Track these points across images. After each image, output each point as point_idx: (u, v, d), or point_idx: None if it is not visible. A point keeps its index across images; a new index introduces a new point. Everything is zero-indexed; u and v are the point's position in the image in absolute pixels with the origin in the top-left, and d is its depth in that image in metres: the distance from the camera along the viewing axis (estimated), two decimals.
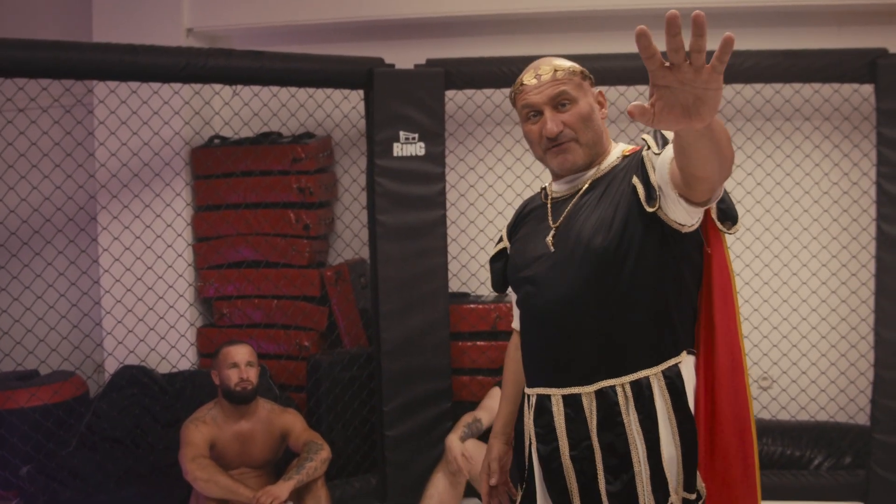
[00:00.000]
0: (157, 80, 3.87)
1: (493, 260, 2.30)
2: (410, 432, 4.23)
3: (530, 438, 2.10)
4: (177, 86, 4.21)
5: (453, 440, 3.74)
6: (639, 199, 1.90)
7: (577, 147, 2.03)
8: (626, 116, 4.50)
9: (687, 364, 2.00)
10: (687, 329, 2.02)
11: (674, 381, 1.95)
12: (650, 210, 1.87)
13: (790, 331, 4.52)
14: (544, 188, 2.20)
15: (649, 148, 1.93)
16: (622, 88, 4.38)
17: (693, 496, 1.96)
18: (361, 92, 4.37)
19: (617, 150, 2.09)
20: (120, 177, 4.45)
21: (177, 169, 4.52)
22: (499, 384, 4.10)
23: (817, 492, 4.17)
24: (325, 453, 3.60)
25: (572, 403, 2.00)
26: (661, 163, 1.82)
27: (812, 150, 4.46)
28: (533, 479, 2.12)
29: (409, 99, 4.19)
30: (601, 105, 2.10)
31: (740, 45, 4.11)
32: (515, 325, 2.33)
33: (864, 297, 4.40)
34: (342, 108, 4.56)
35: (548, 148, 2.04)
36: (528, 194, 4.55)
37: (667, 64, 1.29)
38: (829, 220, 4.48)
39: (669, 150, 1.78)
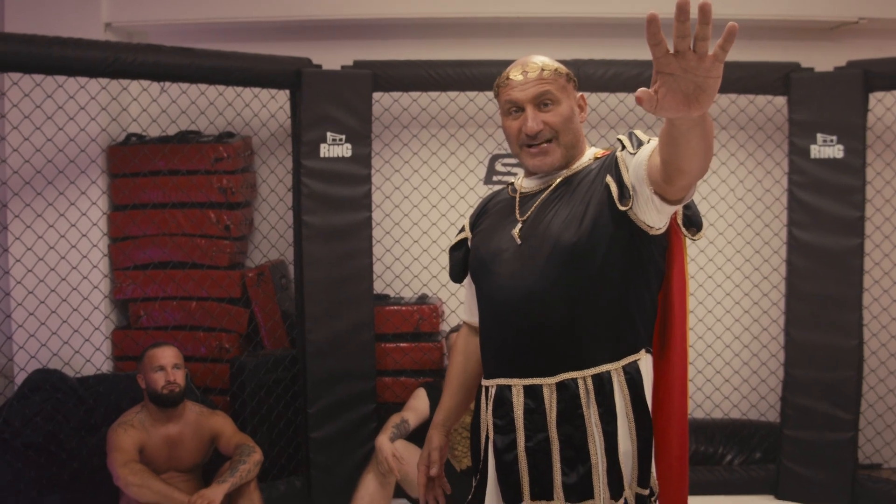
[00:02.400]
0: (84, 75, 3.74)
1: (453, 249, 2.30)
2: (335, 434, 4.22)
3: (488, 431, 2.12)
4: (91, 80, 4.07)
5: (384, 441, 3.74)
6: (611, 197, 1.93)
7: (556, 148, 2.05)
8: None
9: (645, 362, 2.05)
10: (647, 328, 2.07)
11: (633, 377, 1.99)
12: (622, 209, 1.91)
13: (705, 331, 4.67)
14: (512, 183, 2.22)
15: (624, 148, 1.97)
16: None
17: (646, 492, 2.01)
18: (284, 92, 4.33)
19: (589, 153, 2.14)
20: (30, 174, 4.28)
21: (92, 167, 4.38)
22: (423, 385, 4.13)
23: (730, 486, 4.33)
24: (257, 456, 3.57)
25: (533, 395, 2.02)
26: (638, 161, 1.87)
27: (728, 157, 4.63)
28: (486, 473, 2.14)
29: (336, 100, 4.17)
30: (581, 108, 2.12)
31: None
32: (465, 316, 2.34)
33: (776, 299, 4.59)
34: (263, 108, 4.49)
35: (525, 145, 2.06)
36: (452, 197, 4.62)
37: (671, 51, 1.32)
38: (742, 226, 4.65)
39: (646, 149, 1.84)
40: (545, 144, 2.05)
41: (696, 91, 1.38)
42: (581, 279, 1.96)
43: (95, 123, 4.25)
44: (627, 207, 1.91)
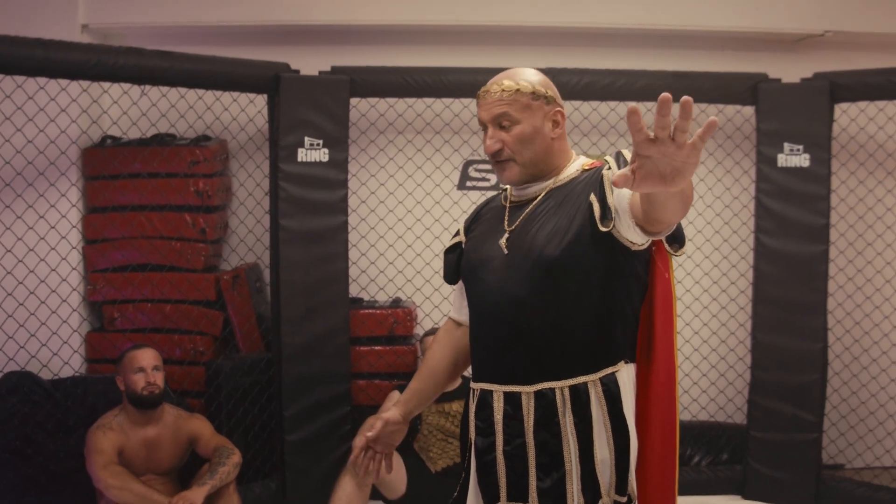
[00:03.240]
0: (65, 77, 3.75)
1: (448, 252, 2.35)
2: (310, 437, 4.24)
3: (471, 431, 2.19)
4: (67, 83, 4.07)
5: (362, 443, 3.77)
6: (594, 216, 1.98)
7: (513, 166, 2.11)
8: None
9: (625, 372, 2.09)
10: (627, 339, 2.11)
11: (610, 389, 2.04)
12: (604, 230, 1.95)
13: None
14: (505, 190, 2.26)
15: (610, 168, 2.01)
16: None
17: (624, 499, 2.06)
18: (261, 96, 4.36)
19: (577, 163, 2.16)
20: (3, 176, 4.26)
21: (68, 169, 4.37)
22: (397, 388, 4.17)
23: (698, 486, 4.42)
24: (236, 458, 3.59)
25: (511, 401, 2.08)
26: (622, 193, 1.91)
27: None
28: (470, 471, 2.21)
29: (314, 105, 4.20)
30: (556, 123, 2.12)
31: (633, 64, 4.38)
32: (453, 314, 2.38)
33: (743, 304, 4.69)
34: (241, 112, 4.51)
35: (491, 160, 2.15)
36: (427, 202, 4.68)
37: (651, 136, 1.38)
38: (711, 232, 4.75)
39: None
40: (503, 163, 2.12)
41: (672, 173, 1.44)
42: (561, 292, 2.02)
43: (73, 125, 4.23)
44: (608, 229, 1.95)
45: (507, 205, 2.21)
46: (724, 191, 4.74)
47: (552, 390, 2.04)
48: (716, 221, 4.74)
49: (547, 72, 4.12)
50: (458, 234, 2.35)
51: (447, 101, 4.51)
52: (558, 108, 2.13)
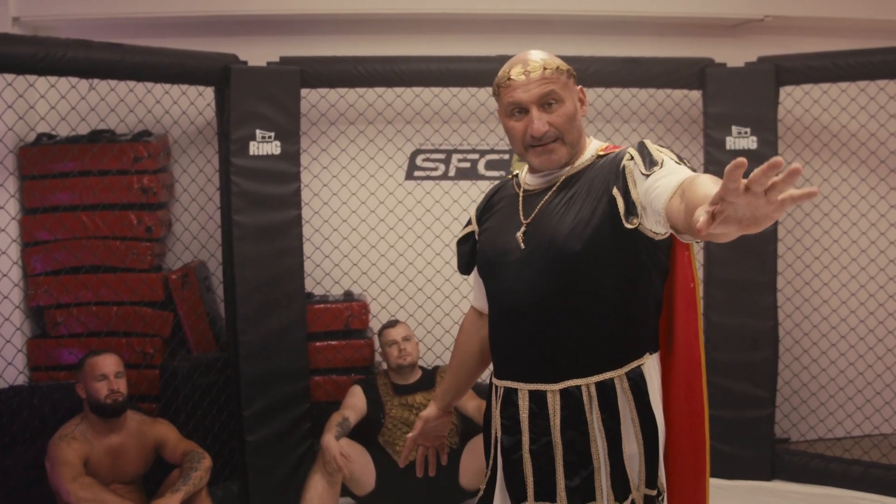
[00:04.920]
0: (12, 72, 3.56)
1: (460, 243, 2.28)
2: (271, 436, 4.16)
3: (496, 428, 2.14)
4: (8, 78, 3.87)
5: (330, 440, 3.72)
6: (617, 210, 1.91)
7: (561, 147, 2.01)
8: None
9: (650, 364, 2.05)
10: (651, 331, 2.07)
11: (637, 383, 2.00)
12: (629, 227, 1.88)
13: None
14: (516, 175, 2.19)
15: (632, 159, 1.92)
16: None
17: (654, 492, 2.02)
18: (199, 88, 4.25)
19: (591, 148, 2.08)
20: None
21: (6, 168, 4.17)
22: (357, 382, 4.12)
23: None
24: (207, 462, 3.49)
25: (537, 399, 2.03)
26: (655, 193, 1.79)
27: None
28: (496, 469, 2.16)
29: (264, 97, 4.11)
30: (582, 103, 2.07)
31: (580, 51, 4.40)
32: (475, 302, 2.33)
33: None
34: (192, 105, 4.38)
35: (530, 146, 2.02)
36: (381, 193, 4.62)
37: (744, 188, 1.32)
38: None
39: (665, 183, 1.76)
40: (551, 144, 2.00)
41: (750, 220, 1.38)
42: (584, 287, 1.97)
43: (1, 123, 4.04)
44: (634, 226, 1.88)
45: (521, 193, 2.12)
46: None
47: (578, 388, 2.00)
48: None
49: (497, 59, 4.18)
50: (469, 223, 2.27)
51: (398, 90, 4.46)
52: (580, 87, 2.08)
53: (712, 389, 4.37)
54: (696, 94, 4.61)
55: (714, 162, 4.39)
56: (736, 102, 4.37)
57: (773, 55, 4.40)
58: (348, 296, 4.58)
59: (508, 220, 2.11)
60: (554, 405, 2.02)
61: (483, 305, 2.28)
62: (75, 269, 4.31)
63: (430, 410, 2.43)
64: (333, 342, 4.44)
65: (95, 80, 4.05)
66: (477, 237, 2.23)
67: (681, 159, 1.88)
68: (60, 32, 4.45)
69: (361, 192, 4.61)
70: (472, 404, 3.93)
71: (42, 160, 4.26)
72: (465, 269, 2.29)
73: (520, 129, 2.02)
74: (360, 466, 3.87)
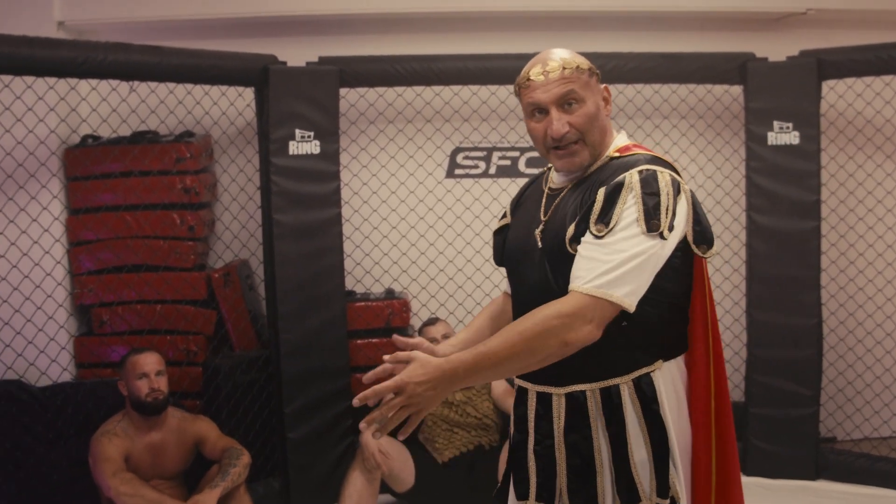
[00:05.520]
0: (52, 75, 3.64)
1: (496, 233, 2.27)
2: (312, 433, 4.19)
3: (511, 424, 2.17)
4: (50, 81, 3.94)
5: (369, 437, 3.74)
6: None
7: (582, 148, 1.98)
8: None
9: (662, 372, 2.00)
10: (666, 337, 2.02)
11: (644, 390, 1.96)
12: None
13: None
14: (550, 168, 2.16)
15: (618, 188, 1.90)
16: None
17: (666, 501, 1.98)
18: (244, 89, 4.29)
19: (612, 147, 2.04)
20: None
21: (46, 170, 4.24)
22: None
23: None
24: (246, 458, 3.53)
25: (543, 401, 2.04)
26: (574, 269, 1.88)
27: (688, 146, 4.76)
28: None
29: (304, 97, 4.14)
30: (606, 101, 2.03)
31: (619, 47, 4.38)
32: (507, 289, 2.29)
33: (737, 282, 4.73)
34: (231, 106, 4.42)
35: (552, 147, 1.99)
36: (421, 191, 4.63)
37: None
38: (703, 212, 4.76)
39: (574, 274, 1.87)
40: (572, 146, 1.97)
41: None
42: None
43: (45, 125, 4.08)
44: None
45: (546, 190, 2.11)
46: (714, 170, 4.77)
47: (583, 393, 1.99)
48: (707, 201, 4.76)
49: (534, 57, 4.16)
50: (504, 216, 2.27)
51: (437, 88, 4.47)
52: (605, 85, 2.04)
53: (754, 387, 4.39)
54: (737, 90, 4.56)
55: (756, 158, 4.35)
56: (778, 97, 4.32)
57: (815, 49, 4.34)
58: (389, 294, 4.60)
59: (532, 216, 2.11)
60: (559, 408, 2.02)
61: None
62: (119, 269, 4.38)
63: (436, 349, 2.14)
64: (375, 340, 4.46)
65: (136, 83, 4.09)
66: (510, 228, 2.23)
67: (654, 214, 1.86)
68: (104, 36, 4.51)
69: (401, 191, 4.63)
70: (510, 401, 3.93)
71: (86, 162, 4.33)
72: (499, 260, 2.27)
73: (540, 129, 1.99)
74: (400, 463, 3.88)
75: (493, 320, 2.29)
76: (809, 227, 4.32)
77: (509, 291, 2.29)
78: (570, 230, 1.93)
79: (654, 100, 4.66)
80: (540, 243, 2.03)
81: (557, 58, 1.97)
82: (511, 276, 2.16)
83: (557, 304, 1.83)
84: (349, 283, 4.57)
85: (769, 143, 4.33)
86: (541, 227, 2.05)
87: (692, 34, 4.76)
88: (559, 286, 1.94)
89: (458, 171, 4.79)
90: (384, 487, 3.91)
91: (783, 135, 4.31)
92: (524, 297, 2.07)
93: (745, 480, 4.24)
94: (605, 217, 1.87)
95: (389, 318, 4.49)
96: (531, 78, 1.97)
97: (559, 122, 1.95)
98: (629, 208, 1.86)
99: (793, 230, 4.32)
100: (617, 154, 2.02)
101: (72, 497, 3.68)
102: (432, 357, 1.81)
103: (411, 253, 4.65)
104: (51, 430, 3.89)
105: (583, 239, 1.89)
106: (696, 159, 4.75)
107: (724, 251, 4.76)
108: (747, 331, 4.45)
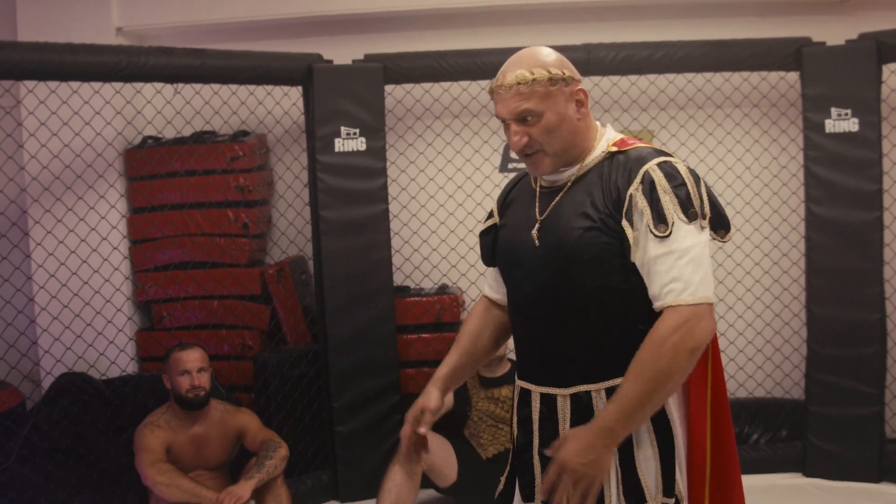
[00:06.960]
0: (97, 80, 3.79)
1: (483, 234, 2.26)
2: (360, 428, 4.24)
3: (514, 426, 2.13)
4: (105, 85, 4.10)
5: (407, 431, 3.74)
6: (625, 235, 1.90)
7: (544, 157, 1.98)
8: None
9: None
10: None
11: None
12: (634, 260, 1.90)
13: (726, 311, 4.67)
14: None
15: (640, 190, 1.90)
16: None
17: (671, 501, 1.96)
18: (295, 88, 4.36)
19: (603, 143, 2.03)
20: (49, 181, 4.32)
21: (110, 171, 4.42)
22: None
23: (757, 465, 4.32)
24: (283, 451, 3.58)
25: (547, 403, 2.02)
26: (653, 280, 1.88)
27: (742, 135, 4.62)
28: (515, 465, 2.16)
29: (349, 94, 4.19)
30: (580, 103, 1.98)
31: (671, 36, 4.28)
32: (490, 293, 2.28)
33: (796, 275, 4.57)
34: (276, 105, 4.51)
35: (519, 155, 2.02)
36: (468, 187, 4.63)
37: None
38: (760, 203, 4.64)
39: (662, 280, 1.86)
40: (535, 155, 1.98)
41: None
42: (593, 292, 1.93)
43: (111, 127, 4.26)
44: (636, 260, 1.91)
45: (538, 189, 2.09)
46: (771, 160, 4.62)
47: (588, 393, 1.96)
48: (764, 192, 4.62)
49: (583, 48, 4.13)
50: (491, 215, 2.25)
51: (482, 83, 4.46)
52: (579, 87, 1.98)
53: (814, 385, 4.23)
54: (793, 76, 4.40)
55: (814, 146, 4.19)
56: (835, 83, 4.16)
57: (874, 31, 4.15)
58: (441, 289, 4.62)
59: (525, 215, 2.08)
60: (564, 410, 1.99)
61: (498, 295, 2.24)
62: (179, 265, 4.53)
63: (435, 401, 2.20)
64: (425, 335, 4.49)
65: (180, 85, 4.22)
66: (499, 228, 2.20)
67: (688, 201, 1.87)
68: (161, 40, 4.71)
69: (449, 186, 4.64)
70: None
71: (146, 162, 4.49)
72: (488, 260, 2.25)
73: (509, 138, 2.00)
74: (442, 459, 3.88)
75: (476, 339, 2.25)
76: (871, 217, 4.14)
77: (490, 295, 2.28)
78: (583, 230, 1.92)
79: (707, 89, 4.54)
80: (537, 242, 2.02)
81: (514, 73, 1.94)
82: (507, 278, 2.14)
83: (666, 321, 1.84)
84: (400, 279, 4.61)
85: (827, 130, 4.16)
86: (537, 226, 2.03)
87: (748, 20, 4.63)
88: (565, 285, 1.94)
89: (510, 166, 4.76)
90: (427, 483, 3.92)
91: (841, 122, 4.15)
92: (524, 297, 2.05)
93: (803, 481, 4.21)
94: (657, 222, 1.87)
95: (440, 314, 4.51)
96: (492, 88, 1.99)
97: (516, 136, 1.96)
98: (670, 203, 1.87)
99: (854, 221, 4.15)
100: (615, 149, 2.00)
101: (122, 485, 3.82)
102: (580, 429, 1.87)
103: (460, 248, 4.64)
104: (110, 421, 4.05)
105: (647, 246, 1.87)
106: (751, 149, 4.61)
107: (781, 244, 4.61)
108: (807, 326, 4.29)
